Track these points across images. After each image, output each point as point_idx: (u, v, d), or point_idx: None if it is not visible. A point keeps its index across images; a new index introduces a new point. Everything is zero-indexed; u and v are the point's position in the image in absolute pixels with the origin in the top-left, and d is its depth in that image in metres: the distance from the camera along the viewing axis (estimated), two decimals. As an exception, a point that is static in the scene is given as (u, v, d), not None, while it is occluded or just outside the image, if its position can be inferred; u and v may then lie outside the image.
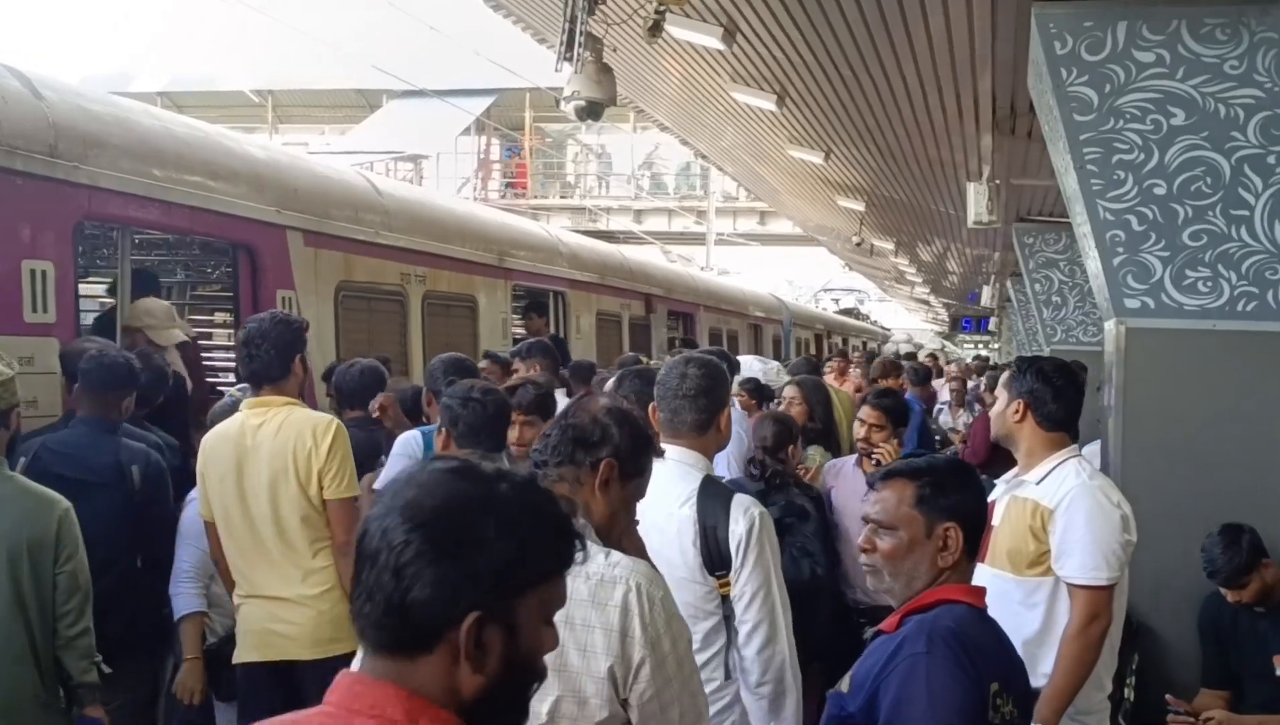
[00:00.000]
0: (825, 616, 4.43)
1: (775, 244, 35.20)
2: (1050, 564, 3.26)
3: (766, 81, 7.76)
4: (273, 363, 3.92)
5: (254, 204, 6.43)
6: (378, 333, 7.72)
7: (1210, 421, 4.39)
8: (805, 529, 4.54)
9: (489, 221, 10.18)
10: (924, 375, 10.82)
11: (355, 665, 1.43)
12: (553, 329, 10.41)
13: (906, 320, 51.93)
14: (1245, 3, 4.10)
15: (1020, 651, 2.48)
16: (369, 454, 4.74)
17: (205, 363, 7.21)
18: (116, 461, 4.27)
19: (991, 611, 2.39)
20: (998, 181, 8.13)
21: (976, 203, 8.04)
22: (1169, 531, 4.21)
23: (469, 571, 1.30)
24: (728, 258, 35.61)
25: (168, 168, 5.83)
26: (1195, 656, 4.42)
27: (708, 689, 2.61)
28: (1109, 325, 4.62)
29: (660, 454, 2.62)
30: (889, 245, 18.06)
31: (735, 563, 2.96)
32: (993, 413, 3.64)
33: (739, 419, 4.89)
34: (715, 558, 2.96)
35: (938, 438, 9.60)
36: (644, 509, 2.51)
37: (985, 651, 2.23)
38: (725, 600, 2.99)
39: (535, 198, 32.72)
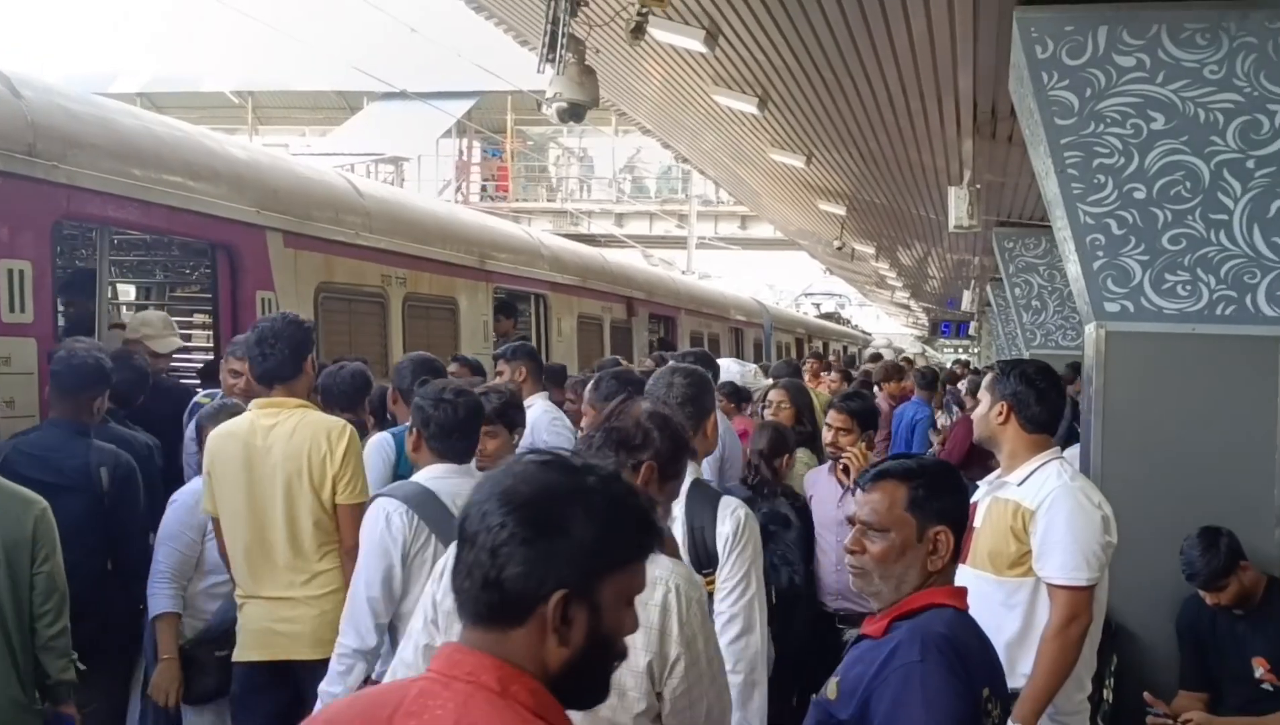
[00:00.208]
0: (801, 623, 4.47)
1: (757, 248, 35.31)
2: (1031, 565, 3.27)
3: (749, 84, 7.78)
4: (286, 362, 3.93)
5: (234, 204, 6.38)
6: (358, 335, 7.65)
7: (1189, 425, 4.43)
8: (787, 537, 4.57)
9: (470, 224, 10.14)
10: (931, 379, 10.54)
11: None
12: (534, 332, 10.37)
13: (887, 325, 52.18)
14: (1225, 8, 4.13)
15: (1000, 652, 2.49)
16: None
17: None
18: (86, 464, 4.21)
19: (972, 612, 2.39)
20: (978, 186, 8.17)
21: (957, 207, 8.07)
22: (1148, 534, 4.22)
23: (557, 552, 1.42)
24: (709, 262, 35.75)
25: (147, 167, 5.78)
26: (1174, 658, 4.44)
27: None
28: (1089, 329, 4.65)
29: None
30: (870, 249, 18.13)
31: (720, 558, 3.00)
32: (975, 415, 3.65)
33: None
34: (703, 557, 3.00)
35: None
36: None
37: (975, 657, 2.23)
38: (710, 597, 3.01)
39: (516, 201, 32.67)
